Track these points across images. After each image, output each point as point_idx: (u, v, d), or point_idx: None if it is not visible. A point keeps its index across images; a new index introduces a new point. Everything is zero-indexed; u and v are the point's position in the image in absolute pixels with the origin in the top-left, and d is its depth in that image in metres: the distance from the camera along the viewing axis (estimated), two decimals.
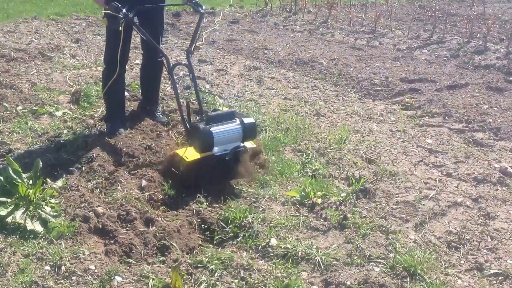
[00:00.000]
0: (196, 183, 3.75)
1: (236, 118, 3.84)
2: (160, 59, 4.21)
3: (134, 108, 5.33)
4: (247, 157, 3.92)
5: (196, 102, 4.68)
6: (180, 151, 3.83)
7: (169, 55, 5.03)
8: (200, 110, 4.15)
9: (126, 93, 5.95)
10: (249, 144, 3.95)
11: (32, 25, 10.15)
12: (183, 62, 4.34)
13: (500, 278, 2.90)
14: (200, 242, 3.22)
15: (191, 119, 4.01)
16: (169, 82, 6.05)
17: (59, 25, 10.42)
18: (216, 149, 3.72)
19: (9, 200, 3.18)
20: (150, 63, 4.93)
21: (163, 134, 4.73)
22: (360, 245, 3.09)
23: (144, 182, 3.77)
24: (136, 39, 6.46)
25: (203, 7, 4.38)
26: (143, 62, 5.13)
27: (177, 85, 6.31)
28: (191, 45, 4.24)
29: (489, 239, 3.29)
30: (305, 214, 3.46)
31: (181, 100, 4.09)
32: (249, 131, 3.84)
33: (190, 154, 3.75)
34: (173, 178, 3.81)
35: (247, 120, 3.84)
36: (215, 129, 3.69)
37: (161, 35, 4.85)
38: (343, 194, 3.73)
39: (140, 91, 5.61)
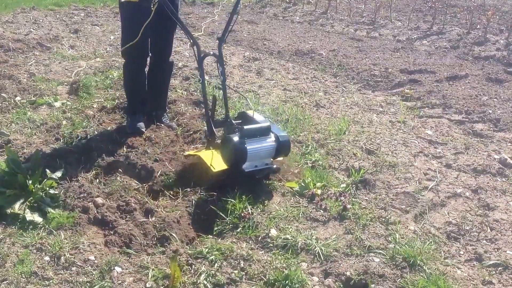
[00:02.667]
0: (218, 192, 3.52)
1: (271, 134, 3.57)
2: (171, 60, 4.04)
3: None
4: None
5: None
6: (205, 157, 3.61)
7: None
8: (226, 109, 3.88)
9: None
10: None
11: (31, 15, 10.09)
12: (211, 53, 3.94)
13: (499, 268, 2.90)
14: (199, 232, 3.22)
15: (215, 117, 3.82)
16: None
17: (57, 16, 10.36)
18: (247, 165, 3.48)
19: (8, 190, 3.17)
20: (159, 65, 4.64)
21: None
22: (360, 236, 3.09)
23: (143, 173, 3.76)
24: None
25: None
26: (151, 64, 4.67)
27: (176, 77, 6.30)
28: (224, 33, 3.87)
29: (489, 230, 3.29)
30: (305, 205, 3.46)
31: (208, 97, 3.84)
32: (283, 148, 3.59)
33: (217, 163, 3.52)
34: (193, 182, 3.63)
35: (282, 137, 3.58)
36: (250, 146, 3.43)
37: (176, 27, 4.54)
38: (343, 185, 3.73)
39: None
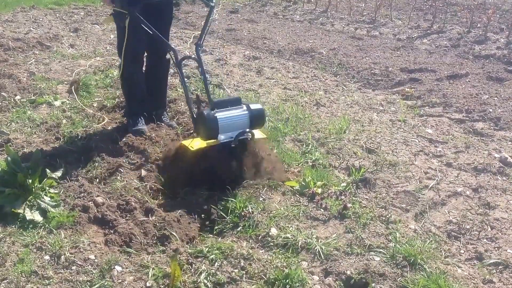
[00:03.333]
0: (203, 175, 3.57)
1: (242, 104, 3.69)
2: (168, 57, 4.08)
3: None
4: (255, 147, 3.72)
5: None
6: (185, 142, 3.71)
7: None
8: (208, 95, 3.94)
9: None
10: (257, 134, 3.73)
11: (30, 14, 10.08)
12: (192, 56, 4.14)
13: (500, 267, 2.90)
14: (199, 232, 3.21)
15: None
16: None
17: (57, 14, 10.35)
18: (222, 137, 3.53)
19: (8, 189, 3.17)
20: (156, 63, 4.68)
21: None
22: (360, 235, 3.09)
23: (143, 172, 3.76)
24: None
25: (214, 0, 4.13)
26: (148, 63, 4.74)
27: (176, 76, 6.28)
28: (200, 38, 4.02)
29: (489, 229, 3.29)
30: (305, 204, 3.45)
31: (189, 94, 3.94)
32: (256, 118, 3.67)
33: (195, 144, 3.60)
34: (177, 171, 3.67)
35: (254, 106, 3.69)
36: (220, 114, 3.53)
37: (169, 28, 4.62)
38: (343, 184, 3.72)
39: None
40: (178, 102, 5.32)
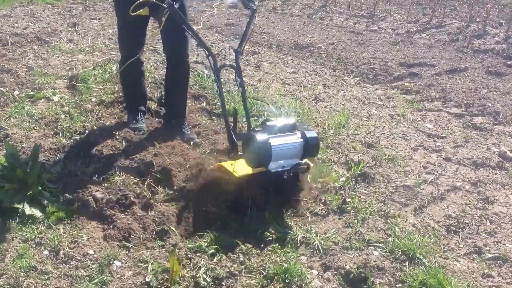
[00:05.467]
0: (241, 205, 3.22)
1: (297, 130, 3.29)
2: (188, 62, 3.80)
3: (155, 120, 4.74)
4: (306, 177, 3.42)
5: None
6: (227, 165, 3.29)
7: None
8: (248, 121, 3.51)
9: None
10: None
11: (29, 9, 10.06)
12: (227, 64, 3.74)
13: (499, 261, 2.90)
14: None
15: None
16: None
17: (55, 9, 10.33)
18: (272, 166, 3.16)
19: (7, 185, 3.16)
20: (175, 70, 4.34)
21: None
22: (359, 230, 3.09)
23: (142, 167, 3.75)
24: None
25: (256, 3, 3.74)
26: (168, 67, 4.42)
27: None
28: (240, 45, 3.61)
29: (488, 223, 3.29)
30: (304, 198, 3.45)
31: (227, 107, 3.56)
32: (311, 148, 3.26)
33: (239, 168, 3.20)
34: (217, 196, 3.26)
35: (309, 134, 3.27)
36: (275, 141, 3.13)
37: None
38: (342, 179, 3.72)
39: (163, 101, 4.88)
40: None
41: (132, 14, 3.38)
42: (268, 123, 3.25)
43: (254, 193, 3.20)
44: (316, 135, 3.33)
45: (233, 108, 3.56)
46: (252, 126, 3.39)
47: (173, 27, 3.72)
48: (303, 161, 3.28)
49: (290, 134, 3.25)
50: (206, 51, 3.50)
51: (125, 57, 4.26)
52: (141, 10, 3.45)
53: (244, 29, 3.67)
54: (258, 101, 5.06)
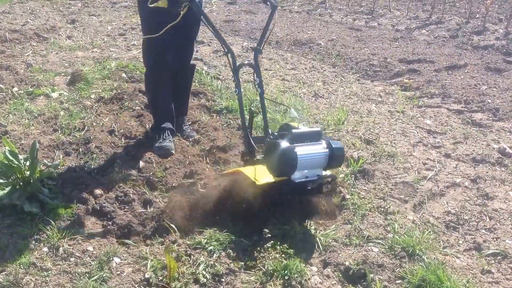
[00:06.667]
0: (259, 215, 3.11)
1: (322, 140, 3.15)
2: (192, 63, 3.68)
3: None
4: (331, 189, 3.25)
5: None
6: (247, 171, 3.09)
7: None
8: (265, 123, 3.42)
9: (124, 75, 5.91)
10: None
11: (27, 5, 10.03)
12: (246, 62, 3.60)
13: (498, 258, 2.91)
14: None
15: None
16: None
17: (54, 6, 10.31)
18: (297, 175, 3.01)
19: (6, 181, 3.16)
20: (180, 70, 4.21)
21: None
22: (359, 226, 3.09)
23: (141, 163, 3.74)
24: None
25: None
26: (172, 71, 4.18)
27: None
28: (259, 43, 3.48)
29: (488, 219, 3.29)
30: None
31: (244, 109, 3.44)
32: (336, 158, 3.10)
33: (261, 176, 3.00)
34: (235, 204, 3.13)
35: (335, 145, 3.10)
36: (300, 150, 2.98)
37: (197, 30, 4.19)
38: (342, 175, 3.72)
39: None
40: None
41: (150, 6, 3.35)
42: (294, 131, 3.09)
43: (274, 203, 3.11)
44: (342, 146, 3.19)
45: (249, 110, 3.42)
46: (271, 130, 3.30)
47: (184, 31, 3.70)
48: (329, 173, 3.15)
49: (316, 143, 3.11)
50: (225, 48, 3.40)
51: (159, 64, 3.95)
52: (159, 2, 3.41)
53: (264, 26, 3.56)
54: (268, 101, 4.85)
